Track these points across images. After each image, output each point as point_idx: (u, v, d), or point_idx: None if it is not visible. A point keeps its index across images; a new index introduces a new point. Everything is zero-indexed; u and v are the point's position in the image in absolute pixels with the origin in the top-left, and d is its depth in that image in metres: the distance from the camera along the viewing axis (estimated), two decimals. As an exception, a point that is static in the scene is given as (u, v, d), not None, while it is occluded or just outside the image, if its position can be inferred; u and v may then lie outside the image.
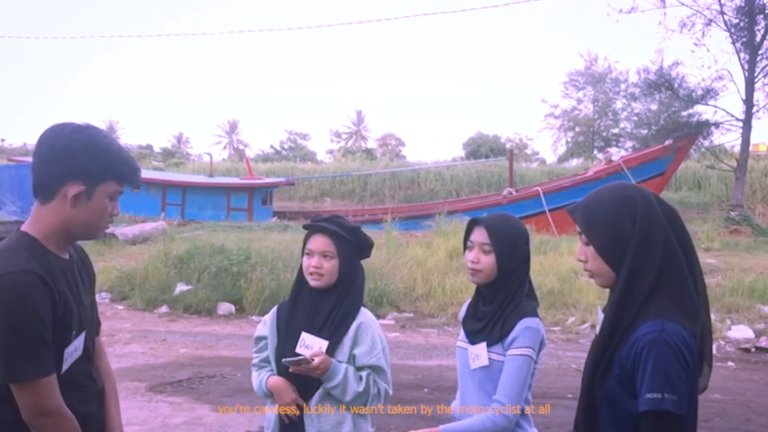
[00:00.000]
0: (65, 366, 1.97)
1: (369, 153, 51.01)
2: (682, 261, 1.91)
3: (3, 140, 51.83)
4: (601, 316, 2.09)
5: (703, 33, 20.73)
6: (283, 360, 2.59)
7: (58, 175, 1.94)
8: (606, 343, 1.91)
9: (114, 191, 2.02)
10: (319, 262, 2.64)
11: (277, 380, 2.69)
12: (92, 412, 2.10)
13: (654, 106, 24.37)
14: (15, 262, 1.87)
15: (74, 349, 2.00)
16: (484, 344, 2.62)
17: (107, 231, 13.61)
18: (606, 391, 1.90)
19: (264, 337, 2.84)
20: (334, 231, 2.66)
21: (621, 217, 1.92)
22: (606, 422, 1.92)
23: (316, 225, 2.71)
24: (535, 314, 2.63)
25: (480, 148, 45.99)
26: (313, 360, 2.54)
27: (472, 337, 2.69)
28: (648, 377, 1.80)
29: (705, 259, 11.88)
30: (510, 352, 2.56)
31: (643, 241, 1.89)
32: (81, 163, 1.94)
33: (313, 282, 2.66)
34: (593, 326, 2.20)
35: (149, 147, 59.30)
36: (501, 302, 2.64)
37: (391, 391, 2.72)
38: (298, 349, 2.64)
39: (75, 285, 2.03)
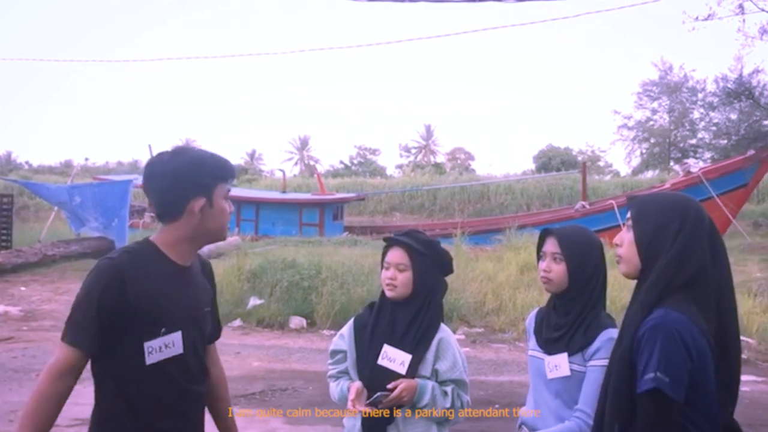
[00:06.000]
0: (152, 359, 2.15)
1: (438, 167, 50.91)
2: (710, 288, 1.94)
3: (87, 159, 54.17)
4: None
5: (786, 39, 19.95)
6: (368, 402, 2.65)
7: (178, 197, 2.20)
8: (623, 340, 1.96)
9: (226, 191, 2.29)
10: (394, 274, 2.76)
11: (357, 384, 2.74)
12: (188, 412, 2.30)
13: (734, 116, 23.55)
14: (115, 254, 2.19)
15: (163, 345, 2.17)
16: (564, 355, 2.61)
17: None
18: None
19: (341, 351, 2.90)
20: (408, 244, 2.76)
21: (668, 223, 1.99)
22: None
23: (393, 238, 2.83)
24: (615, 325, 2.59)
25: (551, 161, 45.36)
26: (393, 390, 2.61)
27: (549, 347, 2.68)
28: (646, 360, 1.83)
29: (792, 274, 11.35)
30: (593, 362, 2.54)
31: (677, 256, 1.94)
32: (194, 179, 2.20)
33: (388, 293, 2.78)
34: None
35: (223, 164, 60.73)
36: (579, 313, 2.63)
37: (470, 401, 2.80)
38: (380, 361, 2.72)
39: (181, 289, 2.24)
